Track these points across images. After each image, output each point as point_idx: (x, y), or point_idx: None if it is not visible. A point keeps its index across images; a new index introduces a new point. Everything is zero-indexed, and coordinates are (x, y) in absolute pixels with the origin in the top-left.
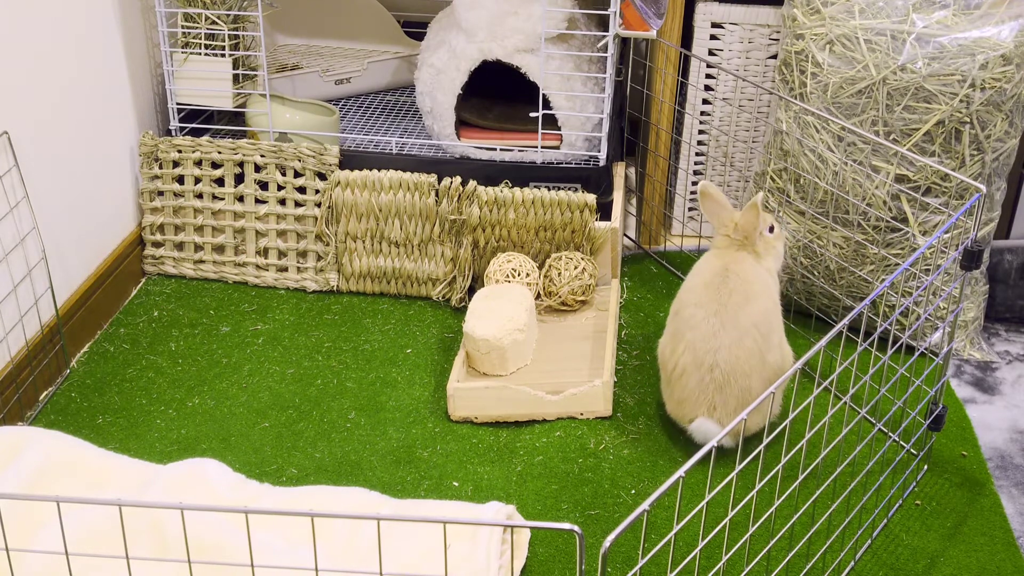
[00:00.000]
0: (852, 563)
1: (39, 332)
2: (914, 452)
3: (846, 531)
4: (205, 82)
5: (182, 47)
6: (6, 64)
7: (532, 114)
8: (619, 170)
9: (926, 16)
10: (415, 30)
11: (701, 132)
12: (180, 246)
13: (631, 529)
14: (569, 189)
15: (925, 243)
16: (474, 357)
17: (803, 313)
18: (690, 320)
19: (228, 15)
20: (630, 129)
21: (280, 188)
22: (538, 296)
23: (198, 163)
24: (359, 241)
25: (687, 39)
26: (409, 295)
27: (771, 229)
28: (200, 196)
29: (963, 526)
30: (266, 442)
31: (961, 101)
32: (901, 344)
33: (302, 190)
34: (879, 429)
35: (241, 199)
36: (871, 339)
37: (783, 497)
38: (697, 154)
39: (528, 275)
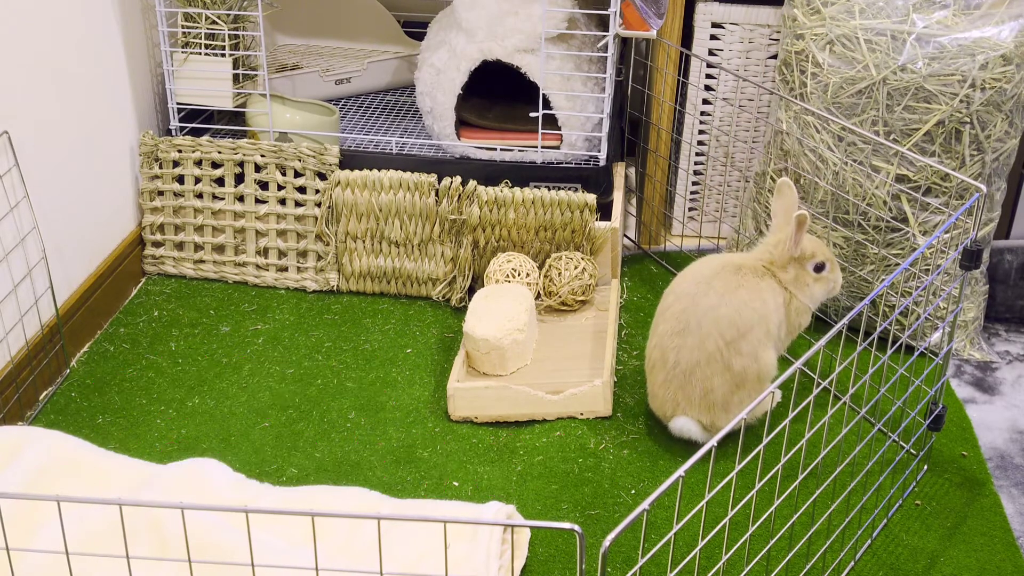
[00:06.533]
0: (852, 563)
1: (39, 332)
2: (914, 452)
3: (846, 531)
4: (205, 82)
5: (182, 47)
6: (6, 64)
7: (532, 114)
8: (619, 170)
9: (926, 16)
10: (415, 30)
11: (701, 132)
12: (180, 246)
13: (631, 529)
14: (569, 189)
15: (925, 243)
16: (474, 357)
17: None
18: (664, 312)
19: (228, 15)
20: (630, 129)
21: (280, 188)
22: (538, 296)
23: (198, 163)
24: (359, 241)
25: (687, 39)
26: (409, 295)
27: (820, 267)
28: (200, 196)
29: (963, 526)
30: (266, 442)
31: (961, 101)
32: (901, 344)
33: (302, 190)
34: (879, 429)
35: (241, 199)
36: (871, 339)
37: (783, 497)
38: (697, 154)
39: (528, 275)
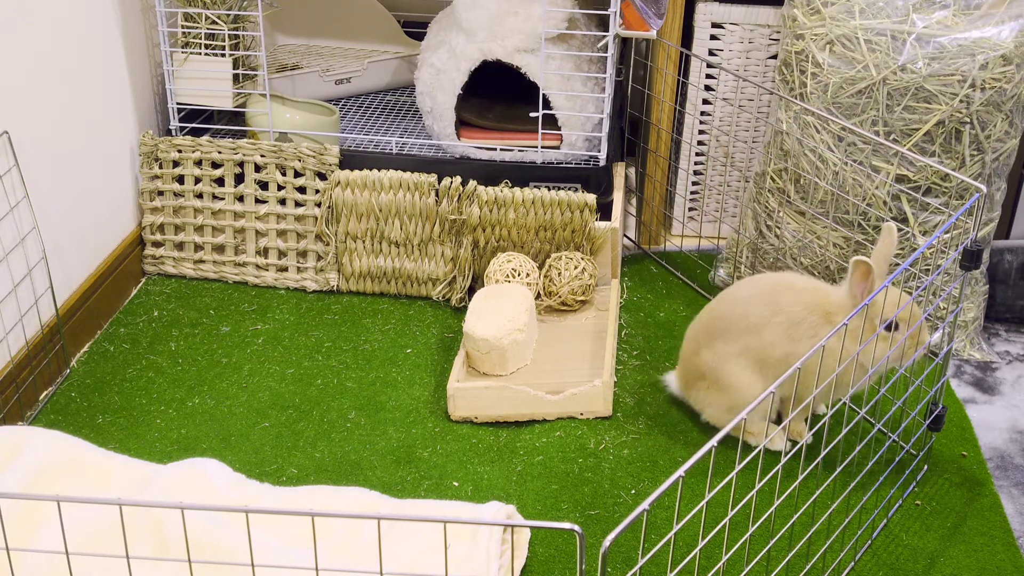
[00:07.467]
0: (852, 563)
1: (39, 332)
2: (914, 452)
3: (846, 531)
4: (205, 82)
5: (182, 47)
6: (6, 64)
7: (532, 114)
8: (619, 170)
9: (926, 16)
10: (415, 30)
11: (701, 132)
12: (180, 246)
13: (631, 529)
14: (569, 189)
15: (925, 243)
16: (474, 357)
17: None
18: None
19: (228, 15)
20: (630, 129)
21: (280, 188)
22: (538, 296)
23: (198, 163)
24: (359, 241)
25: (687, 39)
26: (409, 295)
27: (892, 327)
28: (200, 196)
29: (963, 526)
30: (266, 442)
31: (961, 101)
32: (901, 343)
33: (302, 190)
34: (879, 429)
35: (241, 199)
36: (871, 339)
37: (783, 497)
38: (697, 154)
39: (528, 275)
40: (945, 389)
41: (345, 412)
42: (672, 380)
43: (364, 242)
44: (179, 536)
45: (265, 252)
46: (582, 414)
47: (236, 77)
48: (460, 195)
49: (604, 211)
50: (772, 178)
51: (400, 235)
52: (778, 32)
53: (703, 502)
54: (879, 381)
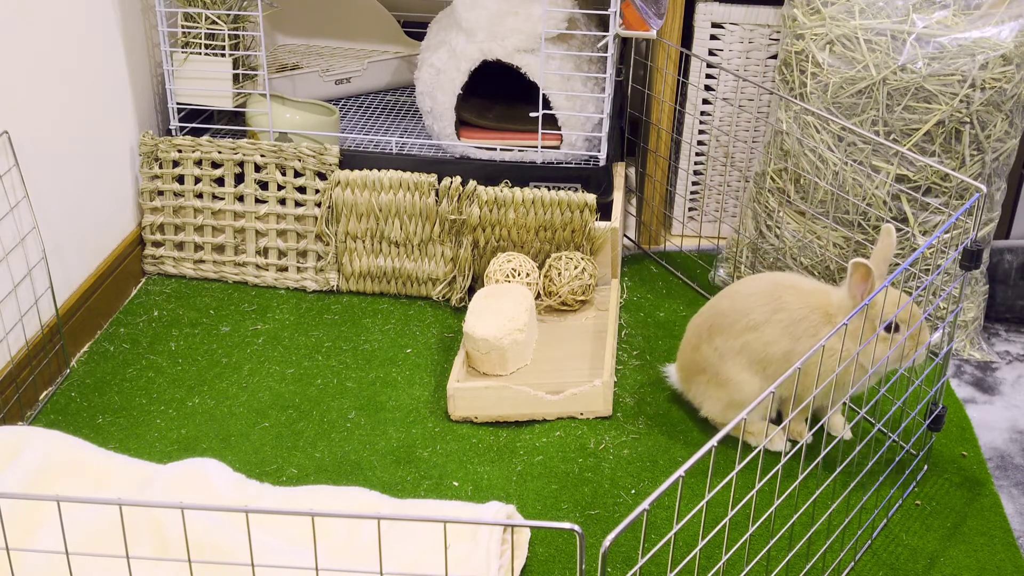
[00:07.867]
0: (852, 563)
1: (39, 332)
2: (914, 452)
3: (846, 531)
4: (205, 82)
5: (182, 47)
6: (6, 64)
7: (532, 114)
8: (619, 170)
9: (926, 16)
10: (415, 30)
11: (701, 132)
12: (180, 246)
13: (631, 529)
14: (569, 189)
15: (925, 243)
16: (474, 357)
17: None
18: (742, 285)
19: (228, 15)
20: (630, 129)
21: (280, 188)
22: (538, 296)
23: (198, 163)
24: (359, 241)
25: (687, 39)
26: (409, 295)
27: (892, 327)
28: (200, 196)
29: (963, 526)
30: (266, 442)
31: (961, 101)
32: (901, 343)
33: (302, 190)
34: (879, 429)
35: (241, 199)
36: (871, 339)
37: (783, 497)
38: (697, 154)
39: (528, 275)
40: (945, 389)
41: (345, 412)
42: (672, 372)
43: (364, 242)
44: (179, 536)
45: (265, 252)
46: (582, 414)
47: (236, 77)
48: (460, 195)
49: (604, 211)
50: (772, 178)
51: (400, 235)
52: (778, 32)
53: (703, 502)
54: (879, 381)
